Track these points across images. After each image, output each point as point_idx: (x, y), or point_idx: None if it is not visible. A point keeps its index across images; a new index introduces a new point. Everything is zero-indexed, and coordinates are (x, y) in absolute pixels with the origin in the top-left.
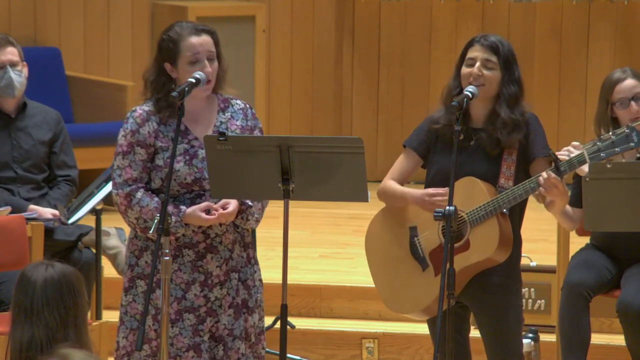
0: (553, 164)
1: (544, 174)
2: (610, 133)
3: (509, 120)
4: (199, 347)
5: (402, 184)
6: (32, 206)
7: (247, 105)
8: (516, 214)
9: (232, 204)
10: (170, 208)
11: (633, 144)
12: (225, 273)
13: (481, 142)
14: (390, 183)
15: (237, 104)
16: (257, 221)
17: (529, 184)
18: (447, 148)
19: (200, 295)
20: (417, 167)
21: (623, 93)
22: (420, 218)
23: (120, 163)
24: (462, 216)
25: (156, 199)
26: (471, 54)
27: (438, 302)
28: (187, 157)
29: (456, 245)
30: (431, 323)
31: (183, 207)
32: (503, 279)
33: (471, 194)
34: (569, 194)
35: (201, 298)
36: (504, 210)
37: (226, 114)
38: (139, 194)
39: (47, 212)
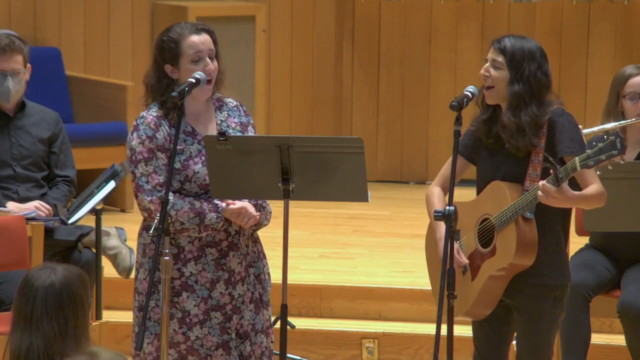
0: (552, 172)
1: (540, 183)
2: (600, 142)
3: (509, 123)
4: (227, 345)
5: (448, 188)
6: (10, 203)
7: (239, 103)
8: (555, 218)
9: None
10: (205, 205)
11: (616, 152)
12: (245, 269)
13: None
14: (433, 195)
15: (230, 102)
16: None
17: (536, 189)
18: (490, 152)
19: (225, 293)
20: (464, 169)
21: (634, 87)
22: (464, 222)
23: (144, 170)
24: (492, 221)
25: (188, 199)
26: (486, 55)
27: (477, 307)
28: (203, 158)
29: (486, 250)
30: (474, 326)
31: (218, 202)
32: (541, 279)
33: (498, 198)
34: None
35: (226, 296)
36: (528, 214)
37: (223, 113)
38: (171, 198)
39: (30, 205)
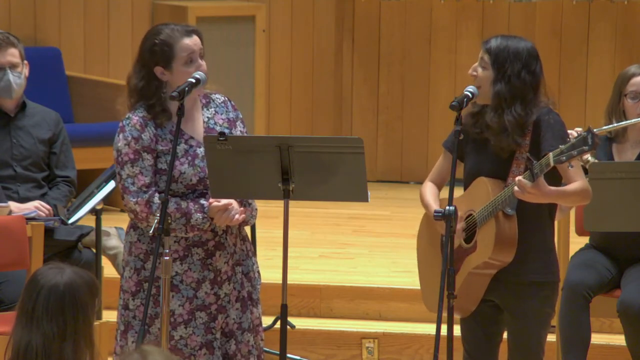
0: (528, 167)
1: (516, 178)
2: (576, 135)
3: (492, 124)
4: (211, 344)
5: (441, 183)
6: (10, 203)
7: (227, 98)
8: (542, 214)
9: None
10: (191, 205)
11: (587, 147)
12: (232, 268)
13: None
14: (426, 188)
15: (217, 98)
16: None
17: (514, 185)
18: (476, 148)
19: (210, 293)
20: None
21: (635, 86)
22: None
23: (130, 171)
24: (474, 216)
25: (174, 199)
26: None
27: (460, 301)
28: (189, 158)
29: (468, 246)
30: (463, 326)
31: (204, 202)
32: (527, 277)
33: (481, 194)
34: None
35: (212, 296)
36: (508, 210)
37: (210, 110)
38: (157, 199)
39: (30, 205)
